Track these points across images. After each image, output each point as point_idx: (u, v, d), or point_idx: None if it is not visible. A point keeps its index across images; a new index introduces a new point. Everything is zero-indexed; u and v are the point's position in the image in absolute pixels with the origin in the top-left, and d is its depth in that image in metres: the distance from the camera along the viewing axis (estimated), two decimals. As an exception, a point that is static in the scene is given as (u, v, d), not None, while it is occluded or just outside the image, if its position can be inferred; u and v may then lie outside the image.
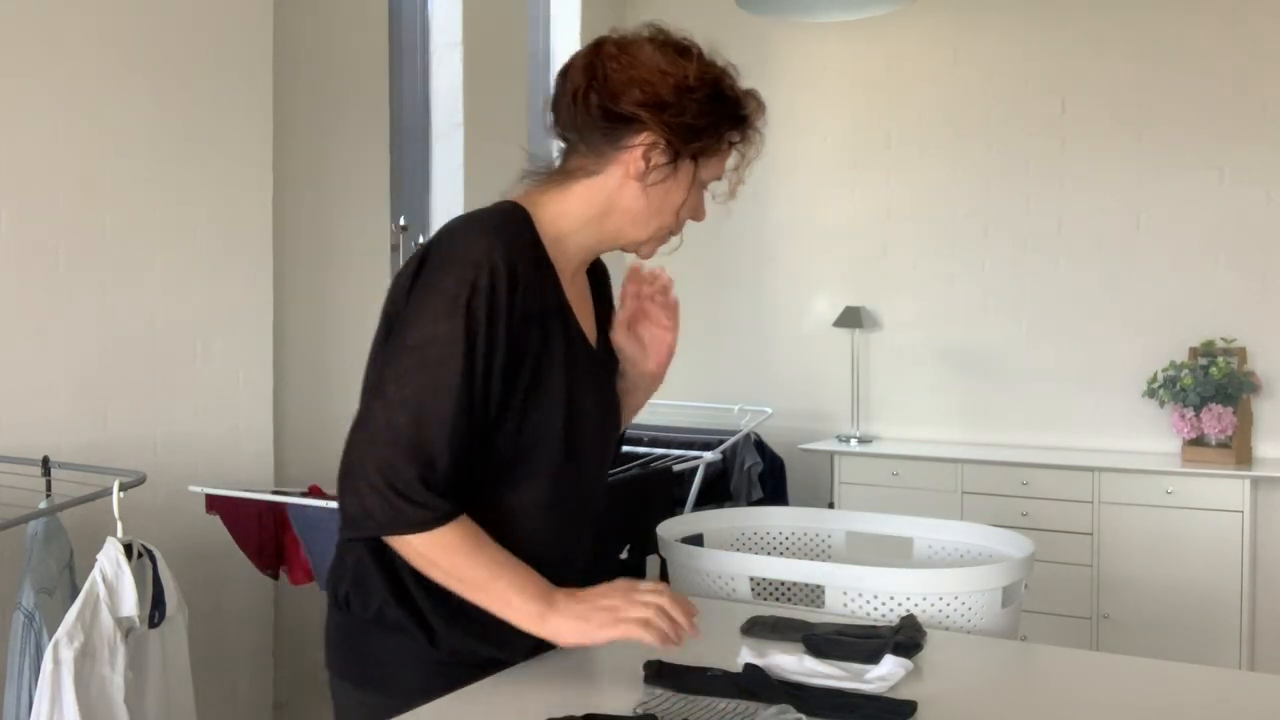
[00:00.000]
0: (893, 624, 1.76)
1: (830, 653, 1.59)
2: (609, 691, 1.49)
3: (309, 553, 2.79)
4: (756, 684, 1.43)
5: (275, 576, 3.04)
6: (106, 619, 2.21)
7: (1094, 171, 4.81)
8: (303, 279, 3.70)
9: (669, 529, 2.29)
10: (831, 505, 4.86)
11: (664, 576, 2.31)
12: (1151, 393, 4.61)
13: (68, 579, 2.45)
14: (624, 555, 3.20)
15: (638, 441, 4.04)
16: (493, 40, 4.68)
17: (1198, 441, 4.44)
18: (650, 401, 1.76)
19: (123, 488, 2.32)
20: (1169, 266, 4.69)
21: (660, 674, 1.47)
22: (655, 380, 1.69)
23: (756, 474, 4.77)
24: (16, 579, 2.43)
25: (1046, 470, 4.53)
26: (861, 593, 1.92)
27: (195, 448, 3.19)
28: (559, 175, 1.55)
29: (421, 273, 1.44)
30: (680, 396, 4.88)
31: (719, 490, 4.63)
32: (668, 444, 4.01)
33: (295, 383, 3.64)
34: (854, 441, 5.02)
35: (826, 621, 1.78)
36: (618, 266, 1.74)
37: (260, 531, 2.91)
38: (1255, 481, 4.27)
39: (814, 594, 2.10)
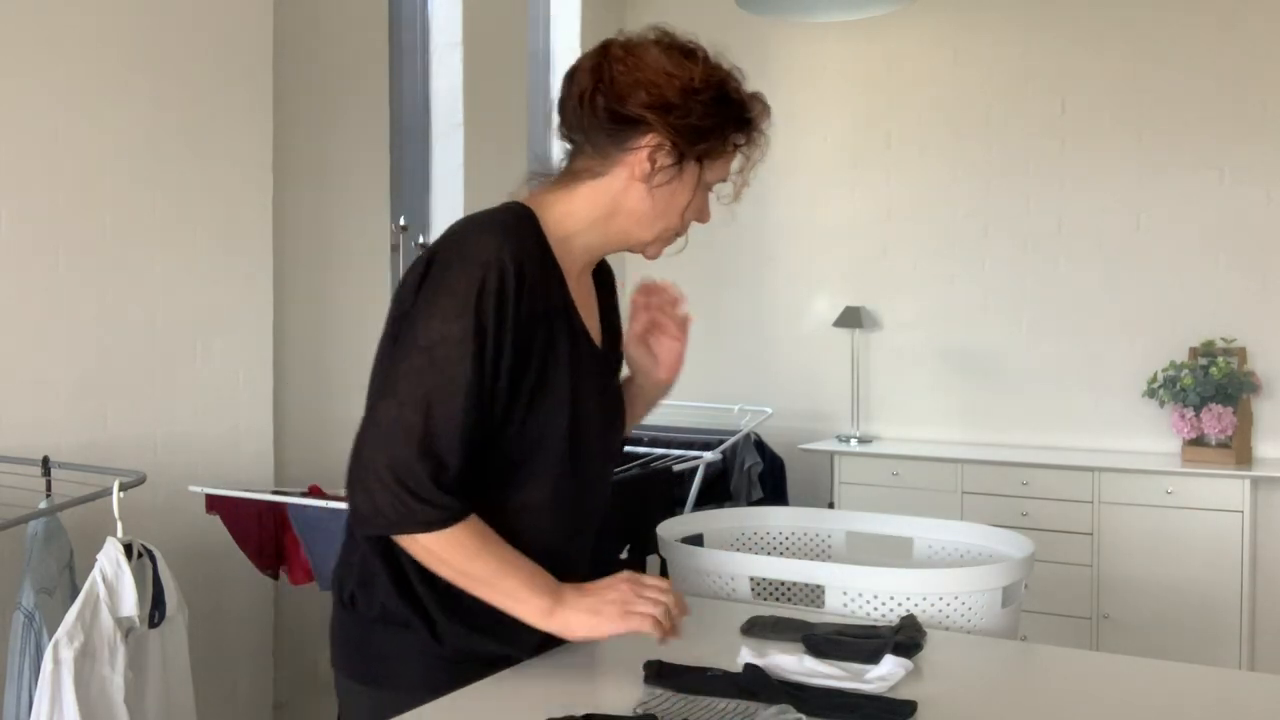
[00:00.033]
0: (893, 624, 1.76)
1: (830, 653, 1.59)
2: (609, 691, 1.49)
3: (309, 553, 2.79)
4: (756, 684, 1.43)
5: (275, 576, 3.04)
6: (106, 619, 2.21)
7: (1094, 171, 4.81)
8: (303, 279, 3.70)
9: (669, 529, 2.29)
10: (831, 505, 4.86)
11: (664, 576, 2.31)
12: (1151, 393, 4.61)
13: (68, 579, 2.45)
14: (624, 555, 3.20)
15: (638, 441, 4.04)
16: (493, 40, 4.68)
17: (1198, 441, 4.44)
18: (651, 402, 1.78)
19: (123, 488, 2.32)
20: (1169, 266, 4.69)
21: (660, 674, 1.47)
22: (665, 388, 1.74)
23: (756, 474, 4.77)
24: (16, 579, 2.43)
25: (1046, 470, 4.53)
26: (861, 593, 1.92)
27: (195, 448, 3.19)
28: (565, 176, 1.56)
29: (430, 273, 1.45)
30: (680, 396, 4.81)
31: (719, 490, 4.63)
32: (668, 444, 4.00)
33: (295, 383, 3.64)
34: (854, 441, 5.02)
35: (826, 621, 1.78)
36: (619, 267, 1.75)
37: (260, 531, 2.91)
38: (1255, 481, 4.27)
39: (814, 594, 2.10)
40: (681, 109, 1.47)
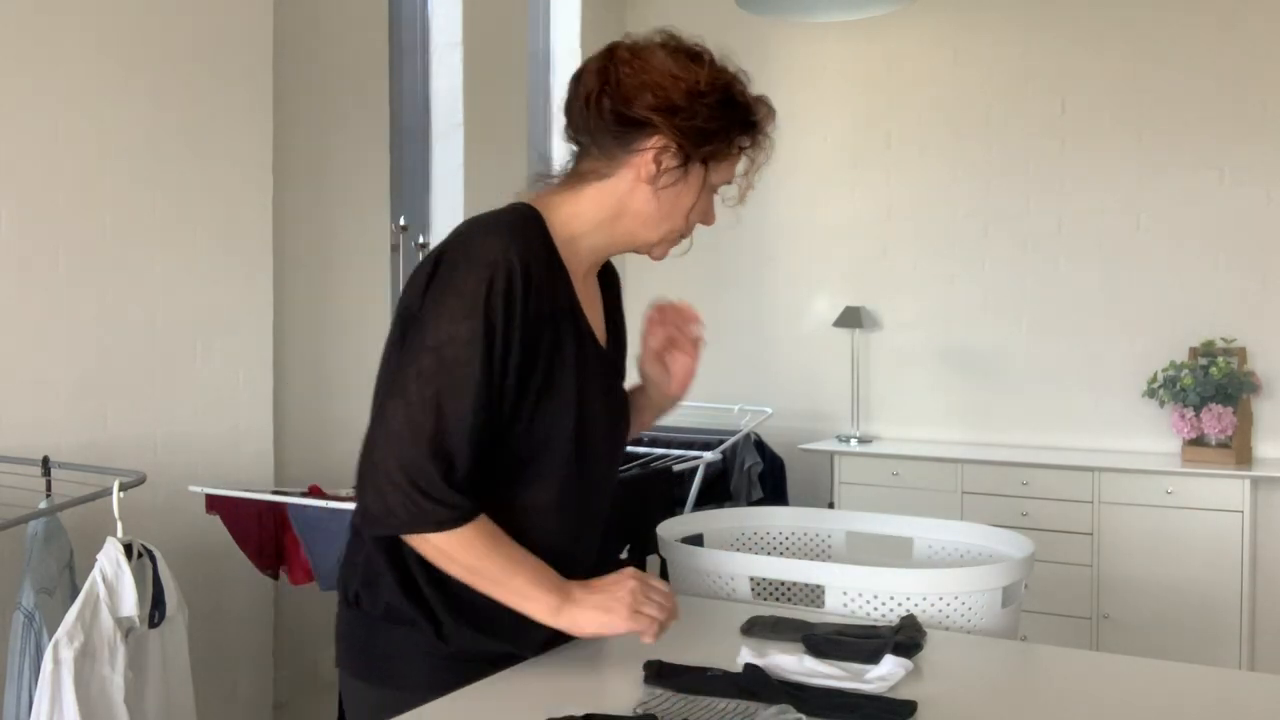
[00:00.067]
0: (893, 624, 1.76)
1: (830, 653, 1.59)
2: (609, 691, 1.49)
3: (309, 553, 2.79)
4: (756, 684, 1.43)
5: (275, 576, 3.03)
6: (106, 619, 2.21)
7: (1094, 171, 4.81)
8: (303, 279, 3.70)
9: (669, 529, 2.29)
10: (831, 505, 4.86)
11: (664, 576, 2.31)
12: (1151, 393, 4.61)
13: (68, 579, 2.45)
14: (624, 555, 3.20)
15: (638, 441, 4.03)
16: (493, 40, 4.68)
17: (1198, 441, 4.44)
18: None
19: (123, 488, 2.32)
20: (1169, 266, 4.69)
21: (660, 674, 1.47)
22: (674, 402, 1.78)
23: (756, 474, 4.77)
24: (16, 579, 2.43)
25: (1046, 470, 4.53)
26: (861, 593, 1.92)
27: (195, 448, 3.19)
28: (571, 178, 1.58)
29: (437, 274, 1.46)
30: (680, 396, 4.86)
31: (719, 490, 4.63)
32: (668, 444, 4.00)
33: (295, 383, 3.64)
34: (854, 441, 5.02)
35: (826, 621, 1.78)
36: (620, 265, 1.75)
37: (260, 531, 2.90)
38: (1255, 481, 4.27)
39: (814, 594, 2.10)
40: (687, 111, 1.48)
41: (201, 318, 3.23)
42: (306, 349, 3.72)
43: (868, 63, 5.26)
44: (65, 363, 2.89)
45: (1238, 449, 4.36)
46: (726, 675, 1.46)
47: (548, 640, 1.55)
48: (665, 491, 3.55)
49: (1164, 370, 4.56)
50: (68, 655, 2.15)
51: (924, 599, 1.89)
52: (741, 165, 1.57)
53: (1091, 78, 4.81)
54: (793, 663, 1.52)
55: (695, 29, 1.56)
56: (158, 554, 2.35)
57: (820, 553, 2.45)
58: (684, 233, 1.59)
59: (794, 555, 2.45)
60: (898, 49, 5.19)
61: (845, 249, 5.31)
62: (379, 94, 4.07)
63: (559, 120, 1.60)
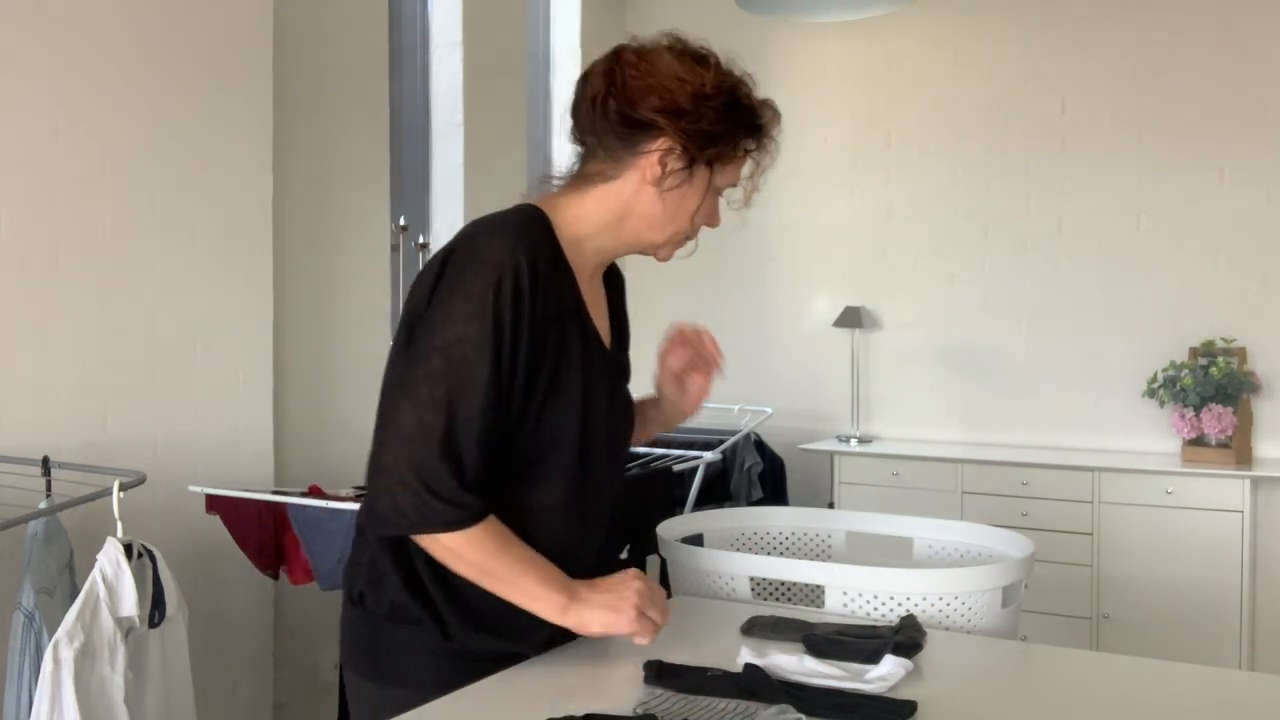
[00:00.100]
0: (893, 624, 1.76)
1: (830, 653, 1.59)
2: (609, 691, 1.49)
3: (309, 553, 2.79)
4: (756, 684, 1.43)
5: (275, 576, 3.03)
6: (106, 619, 2.21)
7: (1094, 171, 4.81)
8: (303, 279, 3.70)
9: (669, 529, 2.29)
10: (831, 505, 4.86)
11: (664, 576, 2.31)
12: (1151, 393, 4.61)
13: (68, 579, 2.45)
14: (624, 555, 3.20)
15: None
16: (493, 40, 4.68)
17: (1198, 441, 4.44)
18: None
19: (123, 488, 2.32)
20: (1169, 267, 4.69)
21: (660, 674, 1.47)
22: (684, 419, 1.83)
23: (756, 474, 4.77)
24: (16, 579, 2.43)
25: (1046, 470, 4.53)
26: (861, 593, 1.92)
27: (195, 448, 3.19)
28: (576, 180, 1.58)
29: (444, 275, 1.46)
30: (680, 396, 4.86)
31: (719, 490, 4.63)
32: (668, 444, 4.00)
33: (295, 383, 3.64)
34: (854, 441, 5.02)
35: (826, 621, 1.78)
36: (624, 268, 1.75)
37: (260, 531, 2.90)
38: (1255, 481, 4.27)
39: (814, 594, 2.10)
40: (693, 114, 1.49)
41: (201, 318, 3.23)
42: (306, 349, 3.72)
43: (868, 63, 5.26)
44: (65, 363, 2.89)
45: (1238, 449, 4.36)
46: (726, 675, 1.46)
47: (550, 639, 1.56)
48: (665, 491, 3.55)
49: (1164, 370, 4.57)
50: (68, 655, 2.14)
51: (924, 599, 1.89)
52: (747, 168, 1.58)
53: (1091, 78, 4.81)
54: (793, 663, 1.52)
55: (695, 29, 1.57)
56: (158, 554, 2.35)
57: (820, 553, 2.45)
58: (689, 235, 1.60)
59: (794, 555, 2.45)
60: (898, 49, 5.19)
61: (845, 249, 5.31)
62: (379, 94, 4.07)
63: (561, 121, 1.61)
